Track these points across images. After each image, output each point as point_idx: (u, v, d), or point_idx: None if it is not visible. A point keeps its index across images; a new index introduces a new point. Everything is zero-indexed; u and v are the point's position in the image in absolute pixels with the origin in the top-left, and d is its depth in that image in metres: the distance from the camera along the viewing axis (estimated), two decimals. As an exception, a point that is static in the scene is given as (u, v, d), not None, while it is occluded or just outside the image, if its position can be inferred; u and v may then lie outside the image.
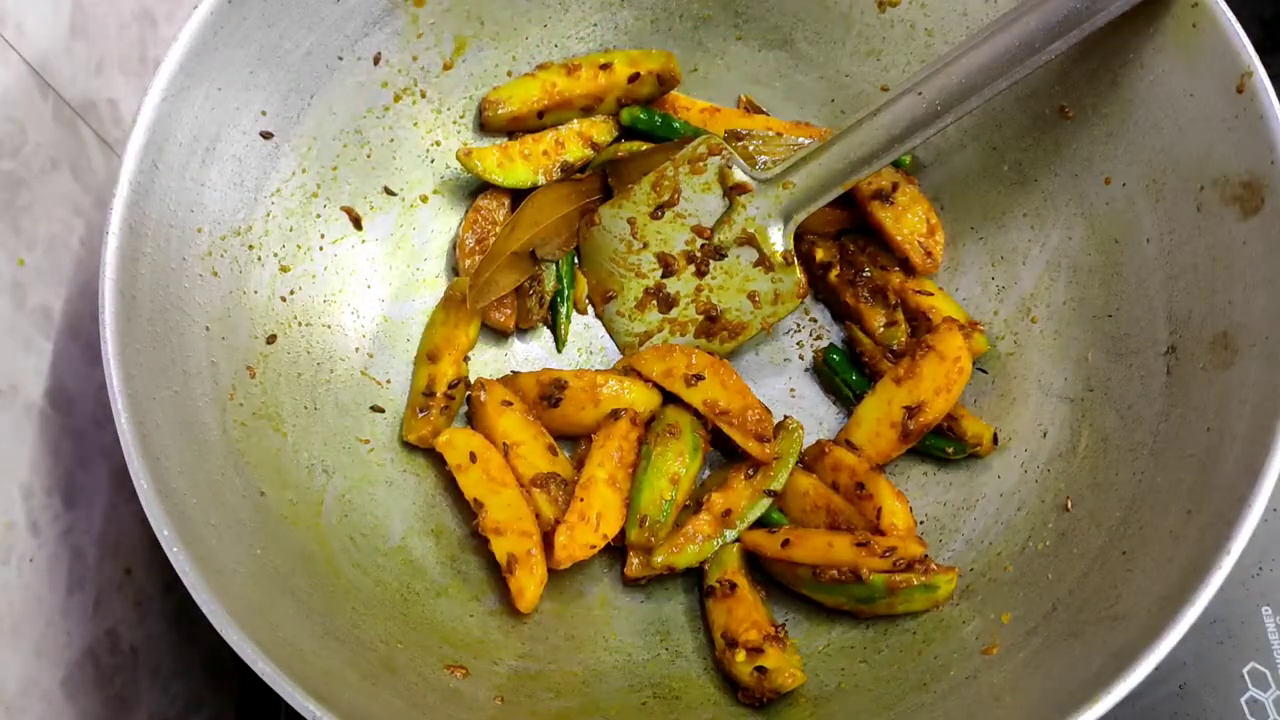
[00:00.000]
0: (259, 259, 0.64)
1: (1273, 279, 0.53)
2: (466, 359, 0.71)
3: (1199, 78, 0.57)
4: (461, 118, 0.73)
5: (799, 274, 0.68)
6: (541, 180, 0.72)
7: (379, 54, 0.68)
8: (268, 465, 0.60)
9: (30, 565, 0.54)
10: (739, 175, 0.68)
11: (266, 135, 0.63)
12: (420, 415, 0.68)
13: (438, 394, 0.68)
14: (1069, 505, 0.61)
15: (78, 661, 0.57)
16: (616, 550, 0.66)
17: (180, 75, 0.57)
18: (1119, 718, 0.47)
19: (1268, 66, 0.55)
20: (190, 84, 0.57)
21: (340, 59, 0.66)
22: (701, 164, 0.69)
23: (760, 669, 0.58)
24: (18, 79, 0.56)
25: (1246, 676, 0.64)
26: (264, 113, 0.63)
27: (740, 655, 0.59)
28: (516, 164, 0.72)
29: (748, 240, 0.68)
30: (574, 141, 0.73)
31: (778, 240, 0.68)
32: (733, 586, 0.63)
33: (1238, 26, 0.56)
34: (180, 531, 0.49)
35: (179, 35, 0.56)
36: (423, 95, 0.71)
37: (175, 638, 0.67)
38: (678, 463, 0.65)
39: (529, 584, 0.62)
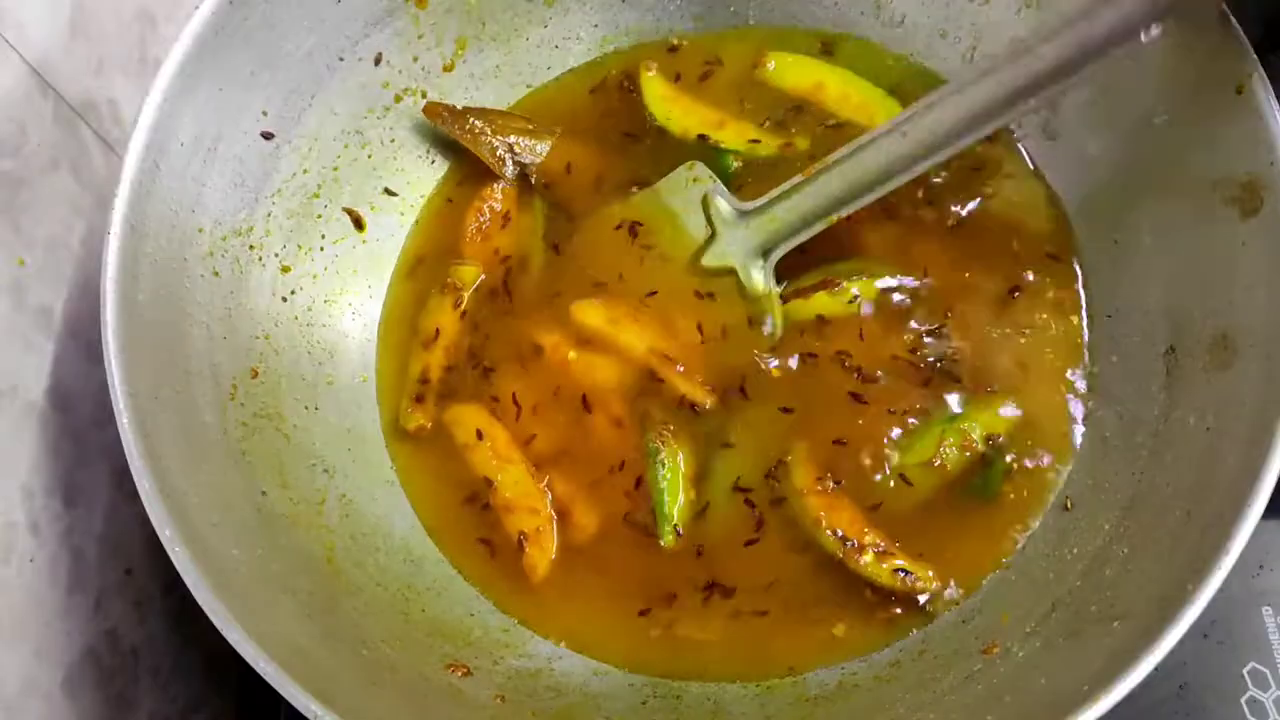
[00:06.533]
0: (260, 259, 0.64)
1: (1273, 279, 0.53)
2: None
3: (1199, 78, 0.57)
4: (462, 118, 0.73)
5: (779, 315, 0.67)
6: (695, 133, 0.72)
7: (380, 54, 0.68)
8: (269, 465, 0.60)
9: (30, 565, 0.54)
10: (723, 206, 0.67)
11: (268, 135, 0.63)
12: (417, 403, 0.68)
13: (433, 381, 0.68)
14: (1069, 505, 0.61)
15: (78, 662, 0.57)
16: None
17: (181, 75, 0.57)
18: (1119, 718, 0.47)
19: (1267, 66, 0.55)
20: (191, 84, 0.57)
21: (341, 60, 0.66)
22: (685, 190, 0.68)
23: (904, 571, 0.60)
24: (18, 79, 0.56)
25: (1246, 676, 0.64)
26: (265, 113, 0.63)
27: (869, 556, 0.60)
28: (688, 116, 0.72)
29: (729, 273, 0.67)
30: (740, 133, 0.71)
31: (759, 279, 0.67)
32: (835, 483, 0.63)
33: (1237, 27, 0.56)
34: (182, 531, 0.49)
35: (180, 35, 0.56)
36: (423, 96, 0.71)
37: (175, 638, 0.67)
38: (690, 461, 0.64)
39: (540, 560, 0.63)
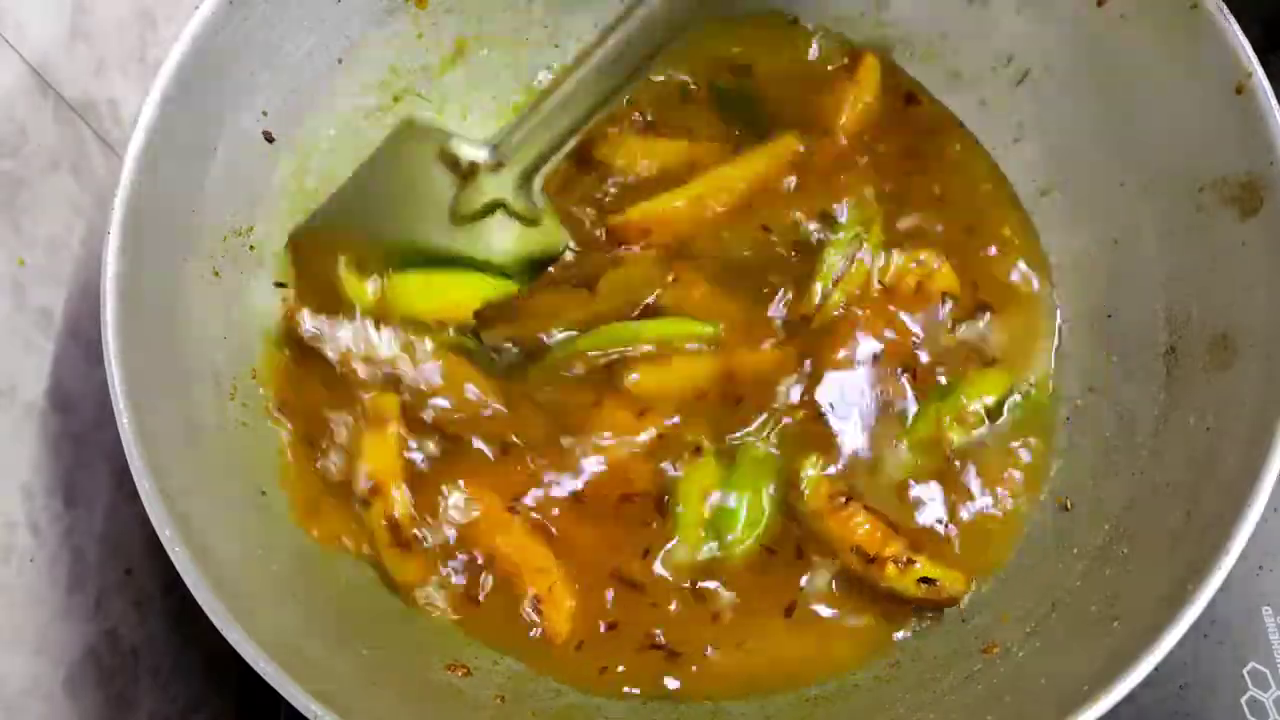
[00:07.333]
0: (260, 259, 0.64)
1: (1272, 279, 0.54)
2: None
3: (1199, 78, 0.57)
4: (463, 120, 0.73)
5: (560, 231, 0.67)
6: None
7: (380, 55, 0.68)
8: (269, 465, 0.60)
9: (31, 565, 0.54)
10: (467, 151, 0.65)
11: (268, 136, 0.63)
12: (403, 552, 0.61)
13: (403, 526, 0.61)
14: (1069, 505, 0.61)
15: (78, 661, 0.57)
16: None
17: (181, 75, 0.56)
18: (1119, 718, 0.47)
19: (1267, 66, 0.55)
20: (191, 84, 0.57)
21: (341, 60, 0.66)
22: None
23: (927, 580, 0.59)
24: (18, 79, 0.56)
25: (1247, 676, 0.64)
26: (265, 113, 0.63)
27: (891, 569, 0.59)
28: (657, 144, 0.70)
29: (496, 208, 0.66)
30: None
31: (529, 201, 0.66)
32: (847, 500, 0.61)
33: (1237, 28, 0.56)
34: (182, 531, 0.49)
35: (179, 35, 0.56)
36: (423, 96, 0.71)
37: (175, 638, 0.67)
38: (710, 480, 0.63)
39: (558, 619, 0.60)
